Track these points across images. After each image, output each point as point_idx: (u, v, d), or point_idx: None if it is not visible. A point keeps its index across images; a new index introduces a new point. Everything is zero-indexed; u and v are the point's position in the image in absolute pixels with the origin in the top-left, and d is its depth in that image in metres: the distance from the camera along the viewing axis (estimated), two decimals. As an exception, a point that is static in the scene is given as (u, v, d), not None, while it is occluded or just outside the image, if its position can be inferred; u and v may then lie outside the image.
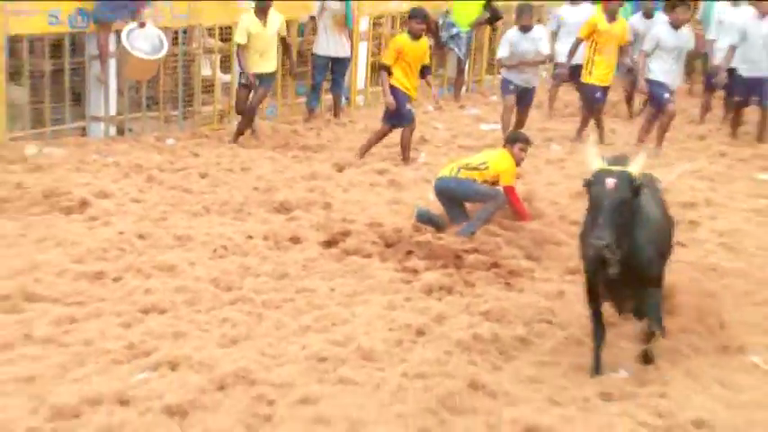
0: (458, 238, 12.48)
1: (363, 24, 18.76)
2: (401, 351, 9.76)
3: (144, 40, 15.03)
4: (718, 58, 17.69)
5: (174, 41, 16.92)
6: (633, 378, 9.52)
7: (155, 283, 10.91)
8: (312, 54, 17.98)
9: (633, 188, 8.31)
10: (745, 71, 16.75)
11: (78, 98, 16.00)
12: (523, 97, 16.05)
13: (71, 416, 8.29)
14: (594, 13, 18.29)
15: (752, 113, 18.56)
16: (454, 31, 19.38)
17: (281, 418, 8.51)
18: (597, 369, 9.33)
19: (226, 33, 17.72)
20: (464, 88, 19.93)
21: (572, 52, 17.43)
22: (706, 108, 19.17)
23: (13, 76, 15.05)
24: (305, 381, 9.12)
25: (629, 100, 18.68)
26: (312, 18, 17.02)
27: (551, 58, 17.81)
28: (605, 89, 17.58)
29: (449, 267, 11.77)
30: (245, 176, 14.45)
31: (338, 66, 17.38)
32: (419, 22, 15.37)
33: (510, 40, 16.23)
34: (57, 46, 15.67)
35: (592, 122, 17.75)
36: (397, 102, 15.03)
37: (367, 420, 8.51)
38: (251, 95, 16.05)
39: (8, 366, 9.04)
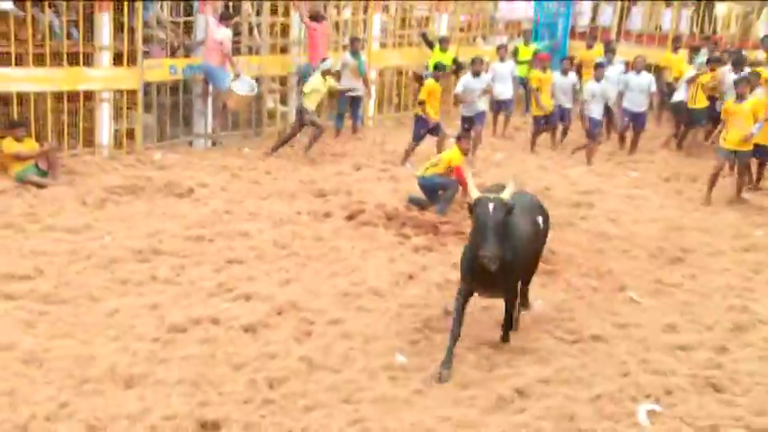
0: (435, 215, 12.49)
1: (373, 74, 18.39)
2: (398, 289, 10.16)
3: (242, 85, 14.76)
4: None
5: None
6: (552, 307, 9.76)
7: (235, 243, 11.33)
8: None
9: (507, 210, 7.70)
10: (630, 107, 16.31)
11: (187, 122, 15.79)
12: (475, 122, 15.64)
13: (181, 330, 8.80)
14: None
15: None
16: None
17: (318, 334, 8.97)
18: (448, 362, 8.05)
19: (282, 80, 17.19)
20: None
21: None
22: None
23: (147, 107, 14.81)
24: (334, 308, 9.57)
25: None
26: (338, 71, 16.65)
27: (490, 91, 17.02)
28: (547, 116, 16.94)
29: (429, 234, 12.04)
30: (295, 174, 14.34)
31: (355, 101, 17.05)
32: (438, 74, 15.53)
33: (464, 82, 15.92)
34: (174, 88, 15.33)
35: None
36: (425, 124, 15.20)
37: (376, 335, 8.95)
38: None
39: (141, 297, 9.58)
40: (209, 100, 15.92)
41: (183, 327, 8.78)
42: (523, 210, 8.49)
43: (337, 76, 16.10)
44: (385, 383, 7.88)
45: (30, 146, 12.98)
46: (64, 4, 13.81)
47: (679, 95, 17.06)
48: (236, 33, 16.43)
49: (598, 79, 16.38)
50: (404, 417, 7.23)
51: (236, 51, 16.06)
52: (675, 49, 19.12)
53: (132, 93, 14.71)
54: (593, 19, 22.39)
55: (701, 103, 16.56)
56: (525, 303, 9.38)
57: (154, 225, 11.58)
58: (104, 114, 14.49)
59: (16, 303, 9.06)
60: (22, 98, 13.58)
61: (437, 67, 15.93)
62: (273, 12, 16.87)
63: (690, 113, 16.94)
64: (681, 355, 8.80)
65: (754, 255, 11.92)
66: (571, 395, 7.79)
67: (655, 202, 14.21)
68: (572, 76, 17.30)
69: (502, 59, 18.09)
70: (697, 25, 20.63)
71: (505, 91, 18.02)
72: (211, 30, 15.07)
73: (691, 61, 17.51)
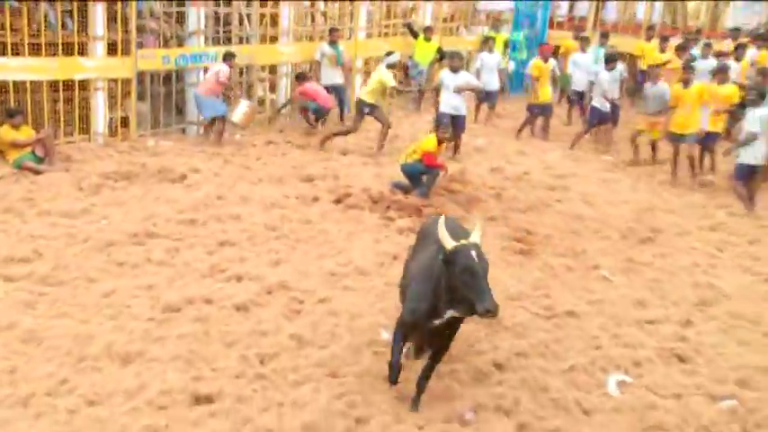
0: (417, 198, 12.58)
1: (359, 63, 18.46)
2: (383, 269, 10.24)
3: (238, 110, 14.86)
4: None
5: (240, 73, 16.58)
6: (529, 285, 9.88)
7: (227, 226, 11.35)
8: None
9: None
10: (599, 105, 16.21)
11: (180, 110, 15.82)
12: (456, 125, 15.11)
13: (175, 310, 8.85)
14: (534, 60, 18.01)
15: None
16: (419, 68, 18.89)
17: (306, 312, 9.06)
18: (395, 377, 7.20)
19: (271, 69, 17.24)
20: (422, 103, 19.39)
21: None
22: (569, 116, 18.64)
23: (140, 96, 14.85)
24: (322, 288, 9.65)
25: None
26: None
27: (479, 89, 16.74)
28: (542, 105, 17.15)
29: (413, 216, 12.09)
30: (284, 159, 14.43)
31: (336, 90, 16.98)
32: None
33: (441, 77, 15.63)
34: (167, 77, 15.37)
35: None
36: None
37: (361, 313, 9.03)
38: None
39: (136, 279, 9.63)
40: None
41: (177, 306, 8.83)
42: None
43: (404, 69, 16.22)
44: (369, 358, 7.98)
45: (26, 133, 13.03)
46: (59, -7, 13.95)
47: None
48: (227, 23, 16.56)
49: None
50: (387, 390, 7.32)
51: (227, 41, 16.23)
52: (649, 39, 19.32)
53: (126, 82, 14.76)
54: (571, 10, 22.56)
55: None
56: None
57: (148, 209, 11.60)
58: (99, 103, 14.53)
59: (16, 285, 9.12)
60: (19, 87, 13.59)
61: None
62: (263, 2, 16.92)
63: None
64: (649, 328, 9.00)
65: (719, 234, 12.14)
66: (545, 367, 7.95)
67: (627, 185, 14.38)
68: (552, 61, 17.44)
69: (490, 51, 17.99)
70: (669, 15, 20.80)
71: (491, 82, 17.88)
72: (213, 69, 15.21)
73: (662, 50, 17.71)
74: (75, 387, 7.25)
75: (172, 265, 9.96)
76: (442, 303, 6.59)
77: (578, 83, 17.70)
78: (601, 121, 16.58)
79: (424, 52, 18.89)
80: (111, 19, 14.34)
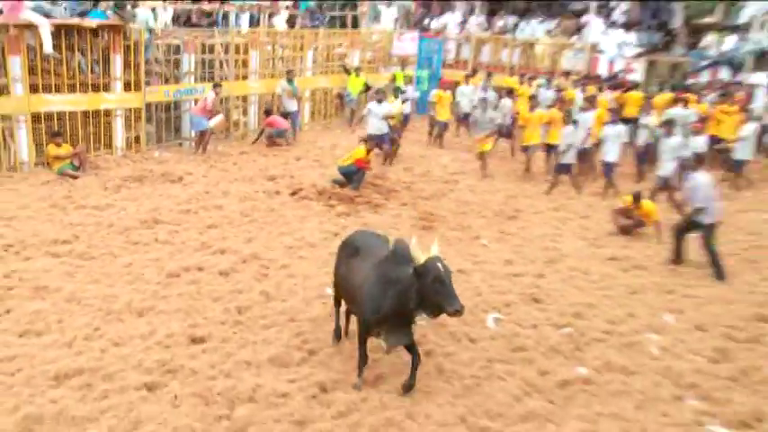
0: (351, 191, 12.43)
1: (307, 93, 18.27)
2: (327, 243, 10.13)
3: (214, 120, 14.53)
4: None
5: (221, 102, 16.27)
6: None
7: (212, 213, 11.26)
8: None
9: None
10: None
11: (177, 130, 15.51)
12: (379, 143, 15.22)
13: (176, 276, 8.81)
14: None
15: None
16: (351, 97, 18.68)
17: (272, 276, 9.05)
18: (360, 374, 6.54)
19: (244, 98, 16.96)
20: (354, 123, 19.18)
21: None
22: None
23: (149, 119, 14.55)
24: (283, 257, 9.63)
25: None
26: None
27: (400, 115, 15.73)
28: (442, 122, 16.81)
29: (348, 204, 11.97)
30: (254, 164, 14.22)
31: (292, 115, 16.63)
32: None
33: (369, 107, 15.13)
34: (168, 106, 15.06)
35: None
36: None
37: (312, 275, 9.03)
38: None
39: (147, 254, 9.53)
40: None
41: (177, 273, 8.80)
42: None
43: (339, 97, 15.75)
44: (318, 308, 8.01)
45: (66, 149, 12.83)
46: (88, 48, 13.52)
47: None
48: (211, 66, 16.30)
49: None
50: (328, 329, 7.33)
51: (211, 79, 15.89)
52: (511, 75, 19.45)
53: (138, 110, 14.44)
54: (457, 54, 22.54)
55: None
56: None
57: (155, 202, 11.46)
58: (118, 125, 14.18)
59: (60, 260, 9.04)
60: (60, 116, 13.30)
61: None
62: (237, 51, 16.71)
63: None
64: (515, 280, 9.12)
65: (562, 213, 12.23)
66: (441, 311, 8.03)
67: (498, 180, 14.21)
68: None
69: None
70: (524, 58, 20.92)
71: (381, 128, 15.23)
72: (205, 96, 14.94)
73: (521, 83, 17.73)
74: (104, 333, 7.24)
75: (173, 243, 9.86)
76: (411, 306, 5.91)
77: (464, 107, 17.69)
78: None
79: (354, 85, 18.74)
80: (127, 65, 14.03)
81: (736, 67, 17.76)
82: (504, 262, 9.76)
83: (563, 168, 13.29)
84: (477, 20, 22.23)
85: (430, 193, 12.90)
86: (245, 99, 17.24)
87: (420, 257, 5.81)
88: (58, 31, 12.99)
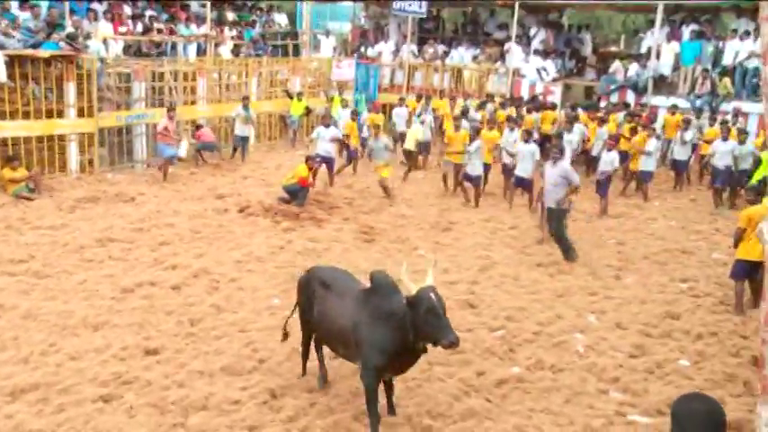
0: (296, 207, 12.18)
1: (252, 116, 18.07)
2: (274, 256, 10.06)
3: (181, 147, 14.47)
4: None
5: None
6: (372, 263, 9.59)
7: (164, 231, 10.98)
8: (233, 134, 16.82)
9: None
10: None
11: (129, 153, 15.09)
12: (327, 164, 14.05)
13: (129, 291, 8.57)
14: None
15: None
16: (293, 119, 18.47)
17: (222, 289, 8.88)
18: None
19: (192, 122, 16.58)
20: (295, 144, 18.83)
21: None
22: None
23: (101, 143, 14.16)
24: (232, 271, 9.44)
25: None
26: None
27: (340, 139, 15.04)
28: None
29: (293, 219, 11.78)
30: (203, 184, 13.91)
31: (244, 139, 16.35)
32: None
33: (317, 130, 14.76)
34: (119, 130, 14.70)
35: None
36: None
37: (260, 287, 8.90)
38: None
39: (101, 270, 9.25)
40: (144, 139, 15.42)
41: (130, 288, 8.58)
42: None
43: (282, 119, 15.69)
44: (267, 318, 7.86)
45: (22, 173, 12.41)
46: (41, 76, 13.10)
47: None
48: (161, 93, 15.94)
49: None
50: (277, 338, 7.01)
51: (161, 105, 15.53)
52: (441, 97, 19.58)
53: (91, 134, 13.99)
54: (392, 78, 22.60)
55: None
56: None
57: (108, 222, 11.14)
58: (72, 150, 13.78)
59: (16, 278, 8.72)
60: (15, 141, 12.90)
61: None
62: (185, 78, 16.43)
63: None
64: (451, 287, 9.00)
65: (492, 224, 12.21)
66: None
67: (432, 195, 14.06)
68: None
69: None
70: (453, 82, 21.10)
71: (329, 151, 14.72)
72: (160, 122, 14.49)
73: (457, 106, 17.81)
74: (60, 348, 6.98)
75: (126, 260, 9.61)
76: (411, 338, 5.26)
77: (400, 127, 17.64)
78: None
79: (296, 109, 18.59)
80: (80, 92, 13.65)
81: (639, 90, 18.46)
82: (440, 270, 9.59)
83: (519, 182, 12.95)
84: (410, 48, 22.33)
85: (370, 207, 12.81)
86: (193, 123, 16.98)
87: (412, 288, 5.25)
88: (11, 61, 12.61)
